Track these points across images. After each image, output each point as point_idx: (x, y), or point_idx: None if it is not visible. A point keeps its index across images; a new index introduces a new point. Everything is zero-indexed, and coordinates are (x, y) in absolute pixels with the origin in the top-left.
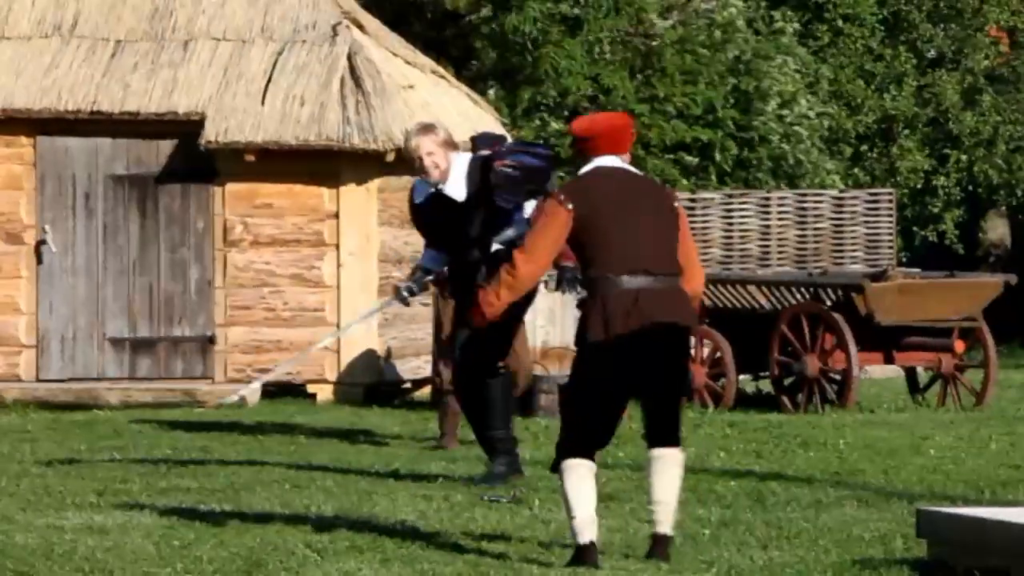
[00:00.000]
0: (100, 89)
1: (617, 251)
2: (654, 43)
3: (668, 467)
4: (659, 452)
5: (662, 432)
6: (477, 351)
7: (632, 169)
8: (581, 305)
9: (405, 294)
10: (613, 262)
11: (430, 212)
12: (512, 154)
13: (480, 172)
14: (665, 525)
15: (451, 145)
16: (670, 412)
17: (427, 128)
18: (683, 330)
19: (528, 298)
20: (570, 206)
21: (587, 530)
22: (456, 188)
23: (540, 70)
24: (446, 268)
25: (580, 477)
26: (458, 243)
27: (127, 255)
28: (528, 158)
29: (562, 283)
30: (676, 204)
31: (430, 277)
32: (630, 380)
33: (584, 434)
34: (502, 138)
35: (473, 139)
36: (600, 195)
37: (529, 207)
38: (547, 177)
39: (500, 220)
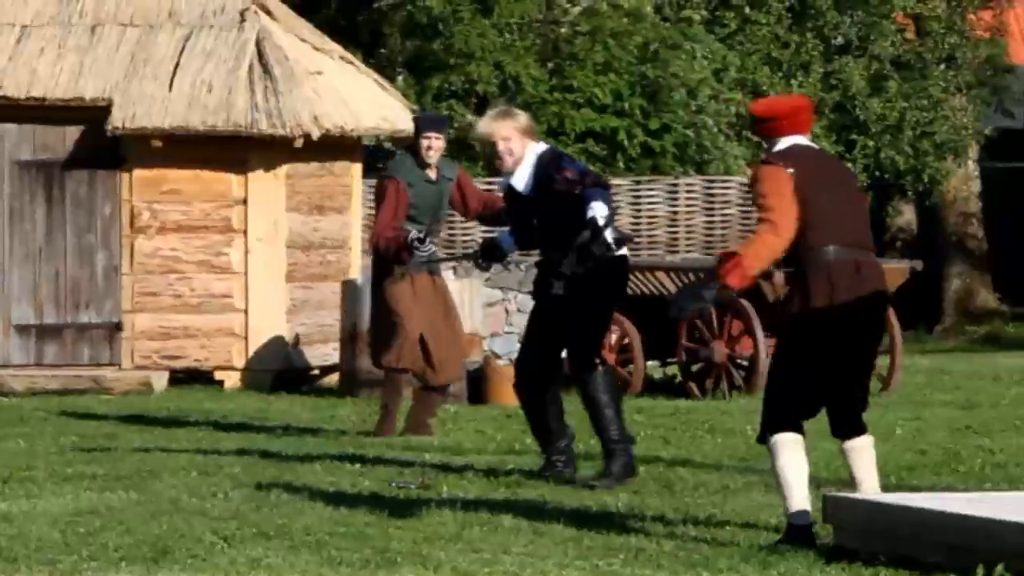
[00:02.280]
0: (6, 74)
1: (836, 221)
2: (563, 30)
3: (867, 456)
4: (852, 444)
5: (850, 418)
6: (580, 347)
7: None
8: (792, 276)
9: (481, 265)
10: (834, 232)
11: (507, 200)
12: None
13: (548, 167)
14: None
15: (530, 133)
16: (861, 391)
17: (506, 113)
18: (888, 305)
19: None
20: (790, 170)
21: (804, 508)
22: (521, 180)
23: (455, 49)
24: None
25: (794, 452)
26: (524, 237)
27: (33, 241)
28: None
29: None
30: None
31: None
32: (846, 348)
33: (798, 405)
34: (445, 119)
35: (416, 119)
36: (810, 166)
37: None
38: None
39: (566, 220)
